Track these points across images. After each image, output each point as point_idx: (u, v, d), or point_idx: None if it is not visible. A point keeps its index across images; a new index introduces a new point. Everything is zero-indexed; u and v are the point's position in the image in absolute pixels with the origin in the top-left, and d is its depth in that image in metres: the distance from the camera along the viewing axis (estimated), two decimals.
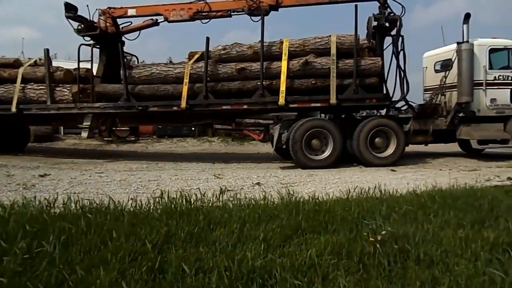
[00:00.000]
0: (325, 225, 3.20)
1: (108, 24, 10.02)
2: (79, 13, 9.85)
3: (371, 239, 2.66)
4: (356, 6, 8.61)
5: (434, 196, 4.34)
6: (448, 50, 9.82)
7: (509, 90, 9.25)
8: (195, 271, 2.27)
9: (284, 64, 8.62)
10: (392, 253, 2.50)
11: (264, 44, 8.82)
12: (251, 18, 9.52)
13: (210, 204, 3.97)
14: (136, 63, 11.31)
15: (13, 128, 11.44)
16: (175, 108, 9.18)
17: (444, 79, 9.66)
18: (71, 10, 9.81)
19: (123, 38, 10.43)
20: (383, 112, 10.14)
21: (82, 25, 9.96)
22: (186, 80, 9.06)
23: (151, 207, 3.79)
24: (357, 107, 9.67)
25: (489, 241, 2.73)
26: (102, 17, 10.05)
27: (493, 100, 9.23)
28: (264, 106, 9.19)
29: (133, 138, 16.61)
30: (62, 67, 10.36)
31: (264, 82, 8.70)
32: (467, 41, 9.10)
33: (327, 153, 8.54)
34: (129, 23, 10.28)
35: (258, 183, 6.07)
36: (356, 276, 2.23)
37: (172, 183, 6.08)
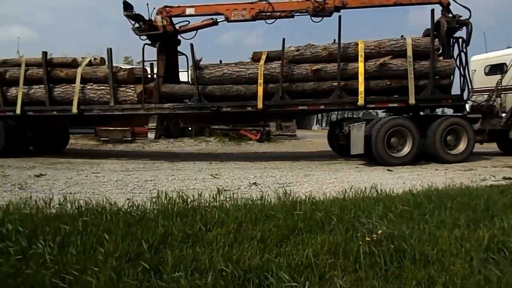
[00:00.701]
0: (321, 225, 3.20)
1: (166, 23, 9.77)
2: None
3: (367, 238, 2.66)
4: (432, 10, 9.00)
5: (430, 196, 4.35)
6: (502, 55, 10.54)
7: None
8: (191, 272, 2.27)
9: (361, 65, 8.79)
10: (388, 253, 2.50)
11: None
12: (311, 19, 9.62)
13: (207, 204, 3.97)
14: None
15: (53, 129, 11.34)
16: (249, 108, 9.26)
17: (499, 82, 10.11)
18: (128, 9, 9.72)
19: (179, 38, 10.35)
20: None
21: (138, 24, 9.79)
22: (260, 81, 9.10)
23: (148, 207, 3.78)
24: (431, 107, 9.98)
25: (485, 241, 2.74)
26: (158, 16, 9.82)
27: None
28: (342, 106, 9.69)
29: (130, 138, 16.57)
30: (124, 67, 10.15)
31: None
32: None
33: (406, 150, 8.77)
34: (187, 22, 10.06)
35: (255, 183, 6.07)
36: (352, 276, 2.23)
37: (169, 183, 6.07)
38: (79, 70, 9.73)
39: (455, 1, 9.27)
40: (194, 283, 2.13)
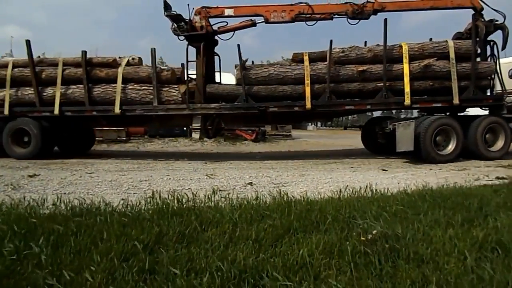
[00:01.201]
0: (316, 225, 3.21)
1: (204, 23, 9.84)
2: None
3: (362, 238, 2.68)
4: (473, 15, 9.54)
5: (424, 195, 4.38)
6: None
7: None
8: (186, 272, 2.27)
9: (406, 66, 9.16)
10: (383, 252, 2.51)
11: (383, 47, 9.26)
12: (348, 21, 9.89)
13: (202, 204, 3.97)
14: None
15: (79, 130, 11.27)
16: (296, 108, 9.45)
17: None
18: (168, 9, 9.75)
19: (216, 38, 10.41)
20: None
21: (177, 24, 9.78)
22: (307, 81, 9.30)
23: (142, 208, 3.77)
24: (473, 106, 10.23)
25: (478, 240, 2.76)
26: (197, 17, 9.89)
27: None
28: (387, 106, 10.05)
29: (124, 138, 16.50)
30: (169, 67, 10.06)
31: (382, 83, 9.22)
32: None
33: (450, 148, 9.15)
34: (225, 23, 10.10)
35: (250, 183, 6.07)
36: (347, 275, 2.24)
37: (164, 183, 6.06)
38: (120, 70, 9.67)
39: (488, 6, 9.62)
40: (189, 283, 2.13)
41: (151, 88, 9.54)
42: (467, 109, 10.40)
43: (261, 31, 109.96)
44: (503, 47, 9.72)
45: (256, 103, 9.46)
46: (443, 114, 9.75)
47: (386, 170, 7.73)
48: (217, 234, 2.96)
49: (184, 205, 3.88)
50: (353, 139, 21.94)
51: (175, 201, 3.98)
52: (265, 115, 9.81)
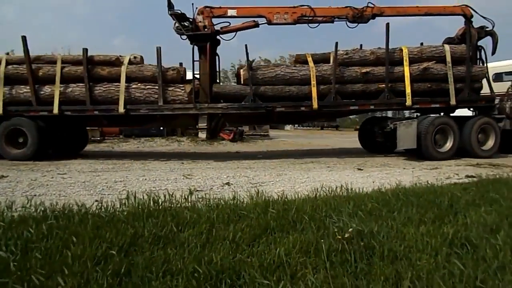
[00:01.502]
0: (293, 224, 3.23)
1: (207, 23, 9.83)
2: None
3: (338, 236, 2.71)
4: (468, 22, 10.16)
5: (398, 194, 4.48)
6: (508, 64, 11.80)
7: None
8: (162, 274, 2.23)
9: (406, 69, 9.73)
10: (358, 250, 2.56)
11: (385, 50, 9.77)
12: (347, 25, 10.25)
13: (179, 205, 3.92)
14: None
15: (72, 129, 10.88)
16: (302, 108, 9.73)
17: (510, 88, 11.18)
18: (171, 8, 9.72)
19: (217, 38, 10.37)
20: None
21: (179, 23, 9.72)
22: (313, 82, 9.59)
23: (117, 209, 3.69)
24: (467, 107, 10.89)
25: (449, 237, 2.85)
26: (200, 16, 9.84)
27: None
28: (389, 106, 10.58)
29: (99, 138, 16.12)
30: (175, 67, 9.90)
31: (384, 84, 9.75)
32: None
33: (448, 145, 9.77)
34: (228, 23, 10.11)
35: (227, 183, 6.05)
36: (323, 274, 2.26)
37: (140, 184, 5.95)
38: (123, 68, 9.49)
39: (478, 13, 10.31)
40: (165, 285, 2.10)
41: (156, 87, 9.46)
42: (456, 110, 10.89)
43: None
44: (493, 52, 10.45)
45: (264, 103, 9.66)
46: (440, 114, 10.25)
47: (362, 170, 7.87)
48: (193, 235, 2.93)
49: (160, 206, 3.83)
50: (329, 139, 22.28)
51: (151, 202, 3.92)
52: (271, 115, 10.00)
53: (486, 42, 10.47)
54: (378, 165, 8.74)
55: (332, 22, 10.22)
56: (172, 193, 4.45)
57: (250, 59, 9.66)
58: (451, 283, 2.10)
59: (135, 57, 9.88)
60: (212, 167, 8.44)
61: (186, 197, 4.28)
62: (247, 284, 2.15)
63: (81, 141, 11.82)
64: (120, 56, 9.89)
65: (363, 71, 9.75)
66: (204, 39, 9.76)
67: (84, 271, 2.23)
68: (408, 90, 9.68)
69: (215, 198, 4.24)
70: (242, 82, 9.91)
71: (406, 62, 9.76)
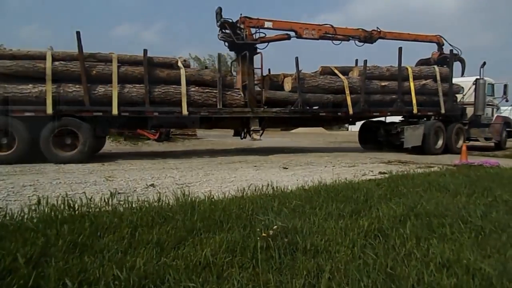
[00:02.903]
0: (220, 224, 3.22)
1: (247, 33, 10.77)
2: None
3: (263, 234, 2.77)
4: (451, 51, 13.20)
5: (319, 190, 4.73)
6: (466, 81, 14.24)
7: (490, 108, 14.86)
8: (78, 284, 2.07)
9: (412, 84, 12.31)
10: (282, 246, 2.63)
11: (396, 68, 12.15)
12: (355, 44, 12.31)
13: (98, 209, 3.67)
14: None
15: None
16: (339, 114, 11.68)
17: (462, 99, 14.20)
18: (221, 17, 10.52)
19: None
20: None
21: (224, 31, 10.66)
22: (347, 92, 11.47)
23: (25, 216, 3.33)
24: (451, 115, 13.32)
25: (364, 229, 3.08)
26: (241, 26, 10.77)
27: (487, 114, 14.56)
28: (401, 113, 12.99)
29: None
30: (231, 73, 10.32)
31: (396, 96, 12.11)
32: (482, 78, 13.89)
33: (440, 143, 12.84)
34: (263, 34, 11.11)
35: (152, 185, 5.83)
36: (249, 272, 2.29)
37: (53, 188, 5.45)
38: (183, 72, 9.79)
39: (448, 42, 13.48)
40: None
41: (214, 91, 10.14)
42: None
43: (163, 28, 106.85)
44: (462, 74, 13.92)
45: (310, 108, 11.44)
46: (435, 120, 12.99)
47: (287, 168, 8.15)
48: (114, 240, 2.76)
49: (77, 211, 3.55)
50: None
51: (66, 207, 3.61)
52: (314, 118, 11.95)
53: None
54: (302, 164, 9.13)
55: (348, 40, 12.08)
56: (91, 197, 4.16)
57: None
58: (365, 271, 2.26)
59: (185, 60, 10.58)
60: (135, 167, 8.07)
61: (106, 200, 4.03)
62: (172, 287, 2.08)
63: (101, 141, 11.50)
64: (174, 58, 10.37)
65: (382, 84, 11.93)
66: (250, 48, 10.86)
67: None
68: (414, 101, 12.14)
69: (139, 200, 4.05)
70: (289, 89, 11.34)
71: (411, 79, 12.23)
